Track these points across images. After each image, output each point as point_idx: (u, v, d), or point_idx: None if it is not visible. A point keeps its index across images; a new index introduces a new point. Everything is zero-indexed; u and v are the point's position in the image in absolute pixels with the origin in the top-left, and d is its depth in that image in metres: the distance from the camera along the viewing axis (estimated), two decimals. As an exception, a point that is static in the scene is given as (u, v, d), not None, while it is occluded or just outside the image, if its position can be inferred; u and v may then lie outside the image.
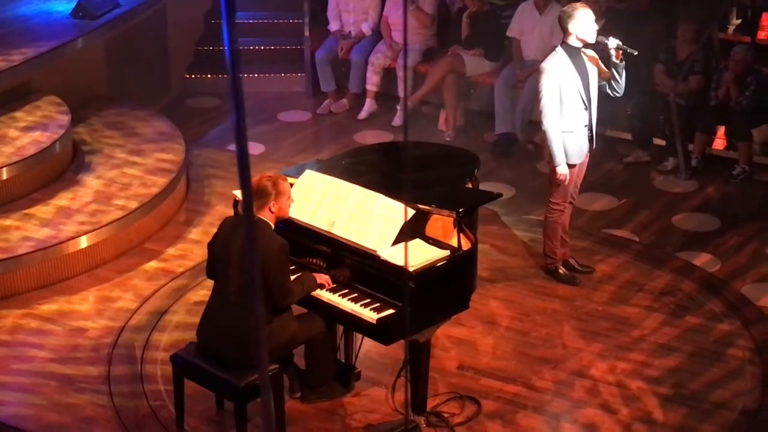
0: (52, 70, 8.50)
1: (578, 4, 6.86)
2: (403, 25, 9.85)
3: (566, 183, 6.90)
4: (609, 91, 6.90)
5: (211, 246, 5.63)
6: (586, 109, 6.80)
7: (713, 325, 6.78)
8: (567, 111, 6.77)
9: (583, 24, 6.70)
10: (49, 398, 6.08)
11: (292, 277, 5.53)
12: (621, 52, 6.74)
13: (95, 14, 8.86)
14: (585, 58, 6.78)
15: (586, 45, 6.77)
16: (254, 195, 5.35)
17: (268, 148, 9.31)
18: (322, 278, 5.59)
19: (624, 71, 6.82)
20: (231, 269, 5.42)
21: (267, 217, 5.39)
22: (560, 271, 7.20)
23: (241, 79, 2.12)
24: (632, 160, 9.07)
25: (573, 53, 6.74)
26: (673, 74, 8.91)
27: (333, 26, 10.25)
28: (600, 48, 6.84)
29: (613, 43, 6.71)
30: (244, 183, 2.16)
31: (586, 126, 6.84)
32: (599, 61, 6.84)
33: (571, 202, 7.16)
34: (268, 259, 5.23)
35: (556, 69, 6.73)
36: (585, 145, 6.90)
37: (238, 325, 5.36)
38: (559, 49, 6.78)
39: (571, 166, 6.87)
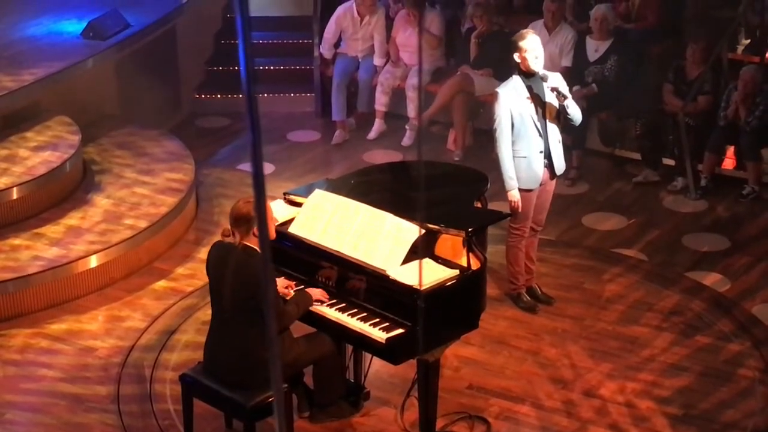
0: (62, 90, 8.54)
1: (525, 31, 6.75)
2: (418, 46, 9.86)
3: (521, 208, 6.76)
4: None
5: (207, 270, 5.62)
6: (540, 135, 6.70)
7: (723, 345, 6.76)
8: (520, 137, 6.67)
9: (526, 53, 6.57)
10: (59, 417, 6.07)
11: (288, 298, 5.54)
12: (555, 91, 6.59)
13: (105, 35, 8.90)
14: (543, 84, 6.63)
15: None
16: (236, 223, 5.35)
17: (278, 167, 9.33)
18: (316, 292, 5.59)
19: (572, 105, 6.66)
20: (225, 294, 5.39)
21: (252, 242, 5.34)
22: (523, 298, 7.14)
23: (257, 99, 2.11)
24: (641, 180, 9.06)
25: (529, 79, 6.64)
26: (682, 94, 8.91)
27: (327, 54, 10.17)
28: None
29: (548, 82, 6.55)
30: (259, 203, 2.14)
31: (541, 152, 6.71)
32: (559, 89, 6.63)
33: (535, 230, 7.02)
34: (260, 285, 5.19)
35: (509, 95, 6.65)
36: (540, 172, 6.75)
37: (236, 348, 5.35)
38: (516, 75, 6.68)
39: (524, 191, 6.75)
